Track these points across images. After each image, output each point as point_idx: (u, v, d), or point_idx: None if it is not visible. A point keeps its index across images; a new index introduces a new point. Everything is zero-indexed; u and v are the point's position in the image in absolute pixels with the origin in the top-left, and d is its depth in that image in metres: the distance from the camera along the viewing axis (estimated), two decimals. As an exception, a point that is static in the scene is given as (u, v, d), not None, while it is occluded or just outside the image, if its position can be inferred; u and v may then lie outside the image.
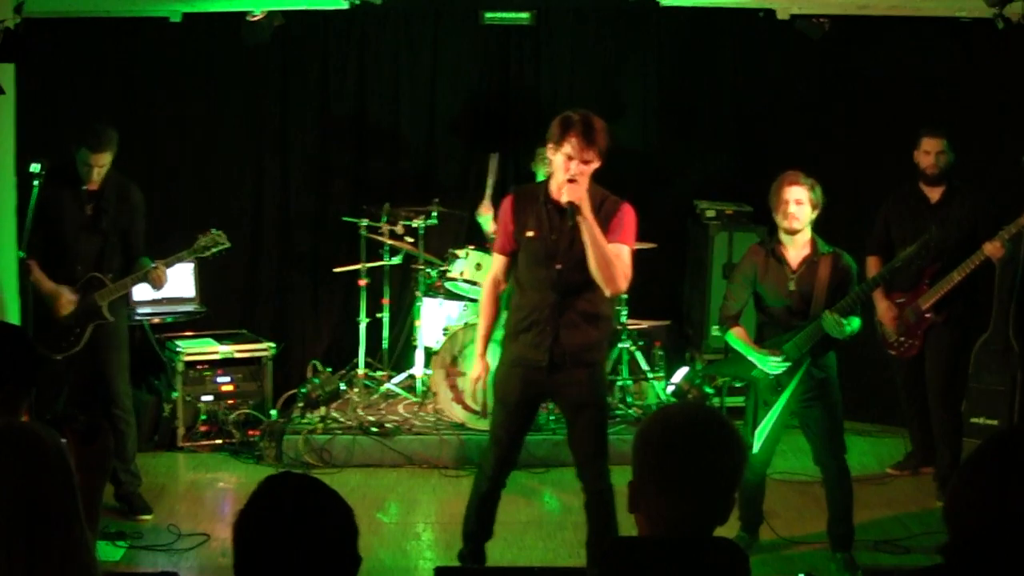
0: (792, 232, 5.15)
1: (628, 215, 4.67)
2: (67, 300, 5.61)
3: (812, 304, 5.13)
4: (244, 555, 2.11)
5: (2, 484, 2.23)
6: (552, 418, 6.81)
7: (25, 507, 2.23)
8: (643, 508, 2.31)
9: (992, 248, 5.81)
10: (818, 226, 5.29)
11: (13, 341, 3.32)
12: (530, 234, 4.63)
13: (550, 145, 4.56)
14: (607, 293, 4.61)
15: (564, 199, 4.51)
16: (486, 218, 7.20)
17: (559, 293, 4.61)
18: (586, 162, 4.48)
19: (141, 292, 7.20)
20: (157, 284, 5.74)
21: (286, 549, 2.09)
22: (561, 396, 4.80)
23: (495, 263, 4.85)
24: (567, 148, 4.47)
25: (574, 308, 4.63)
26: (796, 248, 5.20)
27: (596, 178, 4.65)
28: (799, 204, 5.09)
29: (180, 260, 5.83)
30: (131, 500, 5.84)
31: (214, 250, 5.90)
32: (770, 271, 5.23)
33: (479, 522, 4.93)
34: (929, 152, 6.12)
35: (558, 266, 4.59)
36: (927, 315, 6.07)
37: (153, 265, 5.68)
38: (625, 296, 7.24)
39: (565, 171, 4.50)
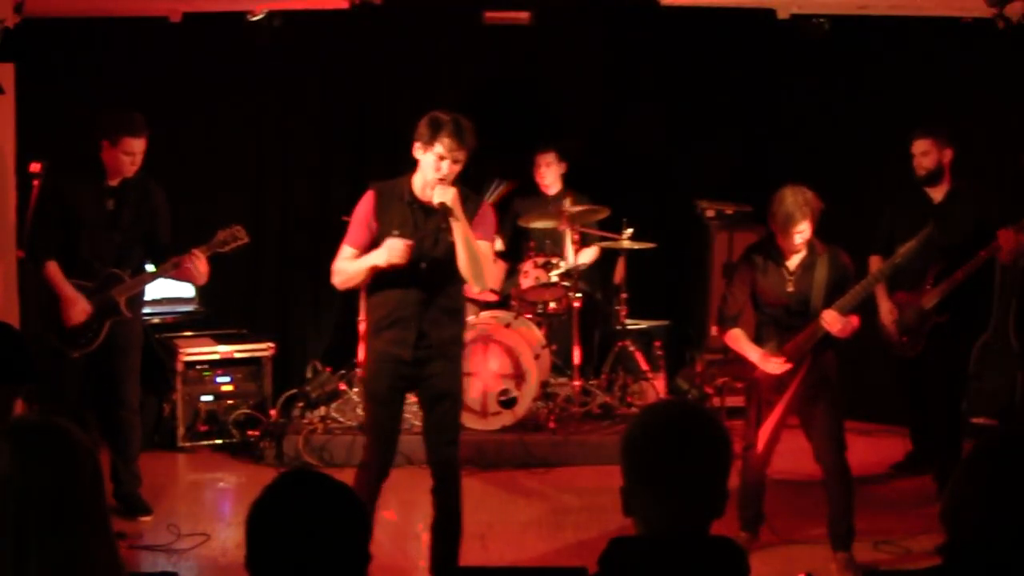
0: (794, 252, 5.17)
1: (489, 213, 4.81)
2: (81, 310, 5.53)
3: (811, 304, 5.13)
4: (256, 546, 2.12)
5: (40, 481, 2.23)
6: (551, 419, 6.79)
7: (60, 506, 2.23)
8: (635, 510, 2.31)
9: (1006, 236, 5.71)
10: (819, 226, 5.29)
11: (5, 340, 3.29)
12: (396, 233, 4.62)
13: (418, 144, 4.58)
14: (476, 290, 4.71)
15: (436, 199, 4.55)
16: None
17: (423, 290, 4.65)
18: (456, 162, 4.55)
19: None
20: (192, 273, 5.54)
21: (298, 542, 2.10)
22: (424, 387, 4.81)
23: (345, 256, 4.80)
24: (438, 148, 4.52)
25: (437, 304, 4.69)
26: (794, 250, 5.20)
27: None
28: (801, 233, 5.09)
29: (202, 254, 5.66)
30: (130, 500, 5.83)
31: (233, 245, 5.79)
32: (768, 273, 5.23)
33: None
34: (914, 154, 6.12)
35: (423, 265, 4.62)
36: (930, 315, 6.07)
37: (184, 255, 5.49)
38: (624, 296, 7.25)
39: (436, 170, 4.55)
